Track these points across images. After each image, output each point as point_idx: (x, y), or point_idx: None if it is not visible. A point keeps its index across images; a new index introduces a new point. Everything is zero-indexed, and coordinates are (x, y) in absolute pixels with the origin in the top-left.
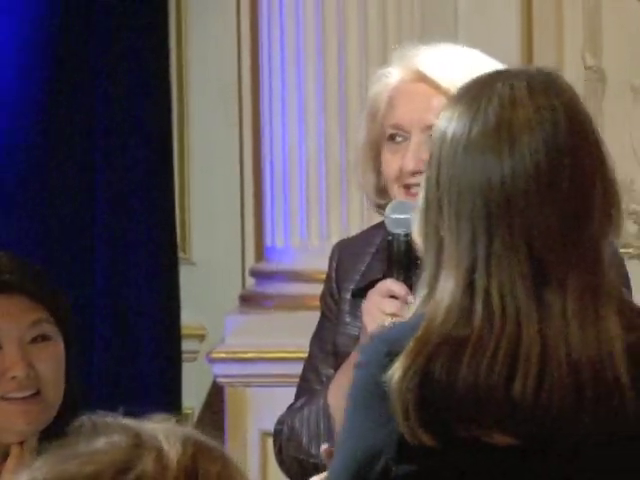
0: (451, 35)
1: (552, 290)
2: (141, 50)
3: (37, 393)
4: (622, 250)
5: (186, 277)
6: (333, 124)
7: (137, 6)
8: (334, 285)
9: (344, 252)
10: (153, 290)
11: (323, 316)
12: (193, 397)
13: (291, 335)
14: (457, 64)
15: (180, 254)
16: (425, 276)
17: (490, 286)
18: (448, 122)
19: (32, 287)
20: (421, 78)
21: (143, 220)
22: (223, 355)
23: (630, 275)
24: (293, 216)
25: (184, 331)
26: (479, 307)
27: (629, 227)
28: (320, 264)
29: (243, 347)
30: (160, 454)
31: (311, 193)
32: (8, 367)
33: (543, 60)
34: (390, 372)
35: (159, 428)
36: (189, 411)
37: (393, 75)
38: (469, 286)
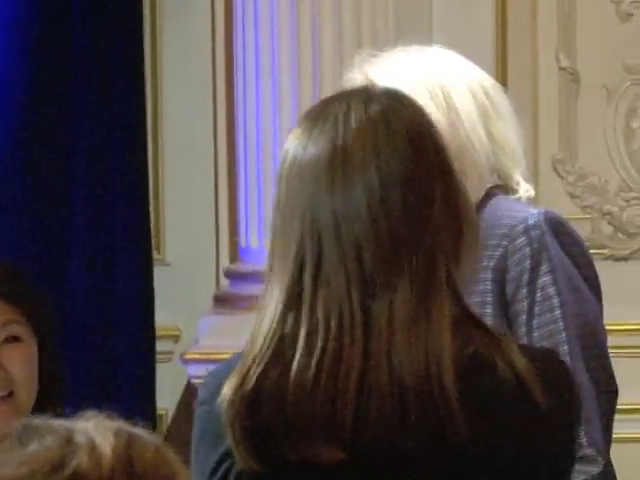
0: (426, 35)
1: (381, 304)
2: (117, 49)
3: (10, 394)
4: (597, 251)
5: (160, 278)
6: None
7: (113, 6)
8: None
9: None
10: (127, 291)
11: None
12: (167, 398)
13: None
14: (407, 75)
15: (154, 255)
16: (260, 296)
17: (316, 303)
18: (290, 141)
19: (3, 288)
20: None
21: (117, 221)
22: (197, 356)
23: (604, 276)
24: (267, 217)
25: (158, 332)
26: (304, 325)
27: (603, 228)
28: None
29: (217, 348)
30: (93, 447)
31: None
32: None
33: (518, 61)
34: (220, 399)
35: (90, 424)
36: (163, 412)
37: (357, 80)
38: (295, 305)
